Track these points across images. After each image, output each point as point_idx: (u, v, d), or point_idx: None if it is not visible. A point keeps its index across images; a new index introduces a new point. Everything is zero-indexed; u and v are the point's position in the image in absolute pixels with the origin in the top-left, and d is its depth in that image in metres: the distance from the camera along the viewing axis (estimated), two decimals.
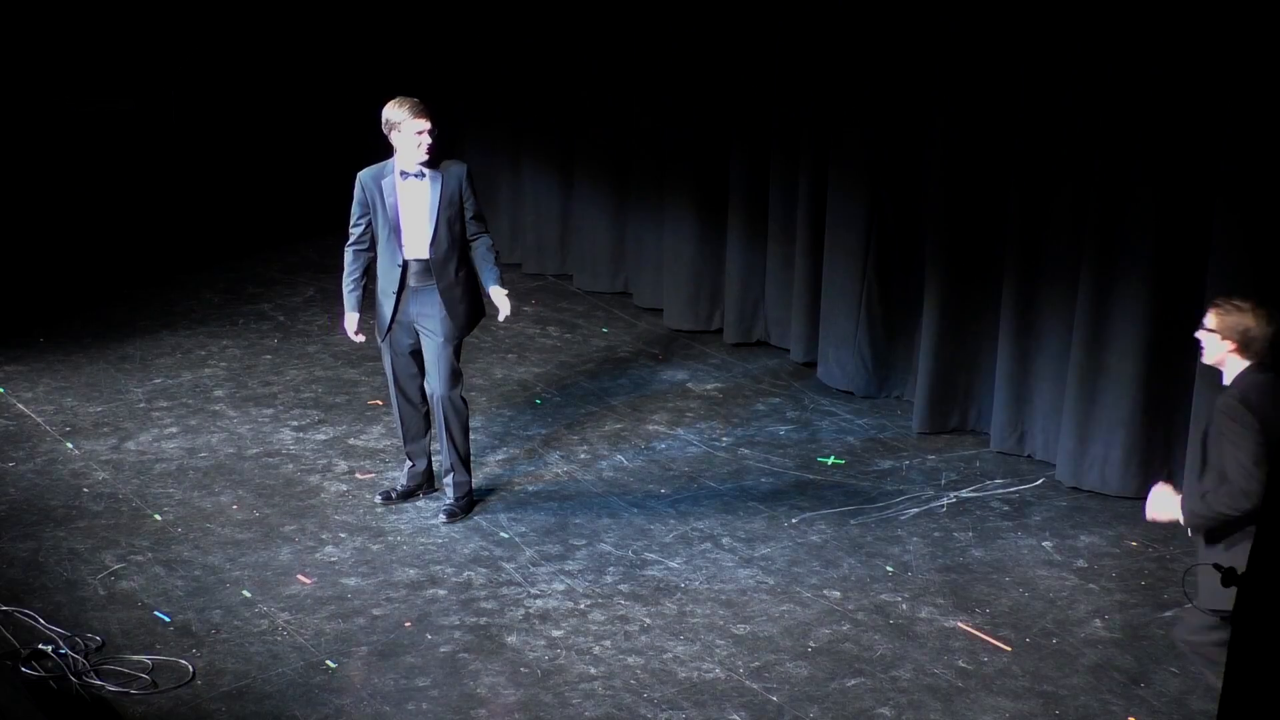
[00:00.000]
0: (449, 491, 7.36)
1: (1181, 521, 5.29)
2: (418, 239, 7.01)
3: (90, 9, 10.64)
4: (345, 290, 7.24)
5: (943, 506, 7.52)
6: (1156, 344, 7.35)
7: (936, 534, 7.25)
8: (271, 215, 11.35)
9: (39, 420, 8.31)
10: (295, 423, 8.35)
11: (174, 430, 8.22)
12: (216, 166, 11.35)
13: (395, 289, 7.04)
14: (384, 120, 6.93)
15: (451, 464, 7.29)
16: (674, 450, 8.11)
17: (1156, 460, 7.52)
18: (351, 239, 7.19)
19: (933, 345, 8.22)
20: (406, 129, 6.86)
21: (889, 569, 6.94)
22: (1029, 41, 7.58)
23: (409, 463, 7.49)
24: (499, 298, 7.10)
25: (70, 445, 8.01)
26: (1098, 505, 7.54)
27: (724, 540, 7.14)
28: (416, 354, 7.24)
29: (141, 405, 8.54)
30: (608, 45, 9.83)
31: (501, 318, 7.16)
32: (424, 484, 7.53)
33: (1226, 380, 5.31)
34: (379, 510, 7.37)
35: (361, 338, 7.35)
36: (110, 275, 10.42)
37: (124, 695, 5.88)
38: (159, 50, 11.04)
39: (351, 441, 8.10)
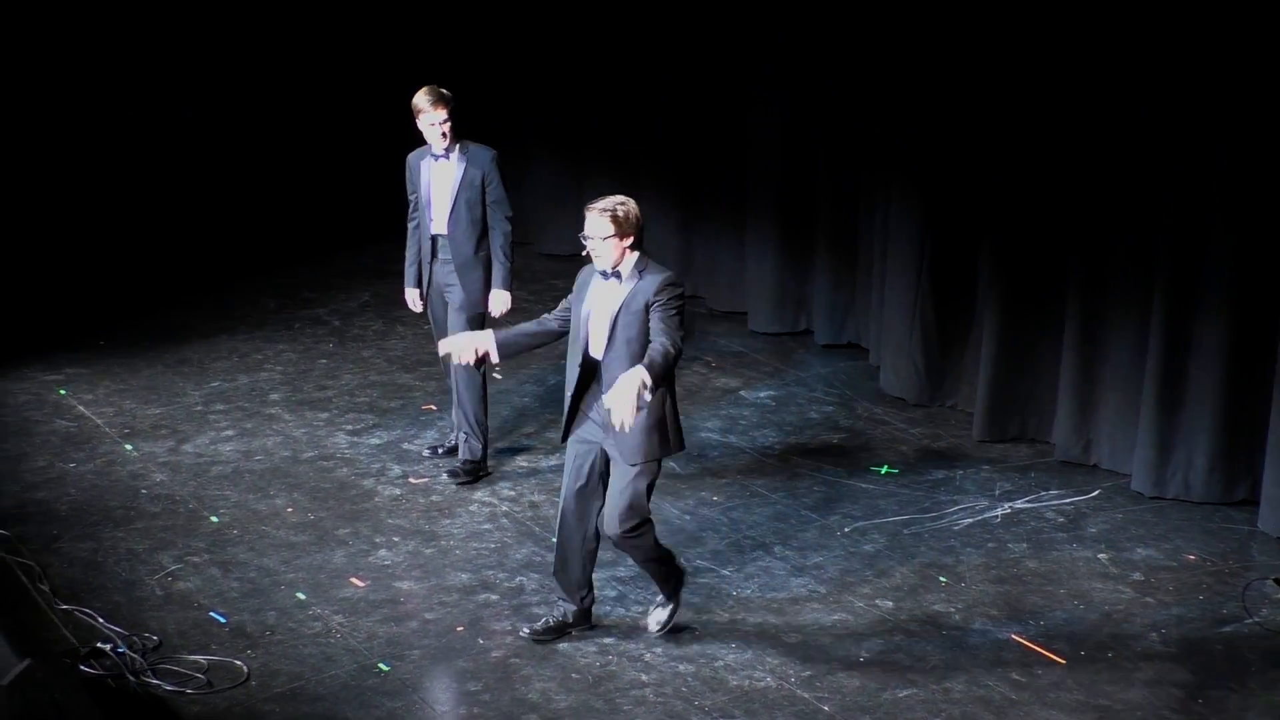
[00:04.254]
0: (461, 452, 7.72)
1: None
2: (441, 215, 7.51)
3: (148, 17, 10.74)
4: (406, 264, 7.78)
5: (997, 517, 7.47)
6: (1239, 348, 7.28)
7: (990, 545, 7.20)
8: (329, 221, 11.43)
9: (99, 422, 8.41)
10: (350, 427, 8.40)
11: (230, 433, 8.29)
12: (276, 173, 11.43)
13: (426, 259, 7.61)
14: (412, 105, 7.43)
15: (463, 429, 7.65)
16: (726, 458, 8.09)
17: (1241, 464, 7.45)
18: (410, 213, 7.73)
19: (992, 354, 8.17)
20: (424, 119, 7.43)
21: (942, 579, 6.90)
22: (1097, 46, 7.54)
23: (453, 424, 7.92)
24: (496, 300, 7.54)
25: (129, 447, 8.10)
26: (1154, 518, 7.46)
27: (776, 548, 7.12)
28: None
29: (199, 408, 8.62)
30: (681, 75, 10.04)
31: (496, 314, 7.57)
32: None
33: (627, 270, 5.94)
34: (432, 514, 7.41)
35: (419, 307, 7.79)
36: (169, 280, 10.53)
37: (180, 695, 5.93)
38: (217, 58, 11.13)
39: (405, 446, 8.14)
